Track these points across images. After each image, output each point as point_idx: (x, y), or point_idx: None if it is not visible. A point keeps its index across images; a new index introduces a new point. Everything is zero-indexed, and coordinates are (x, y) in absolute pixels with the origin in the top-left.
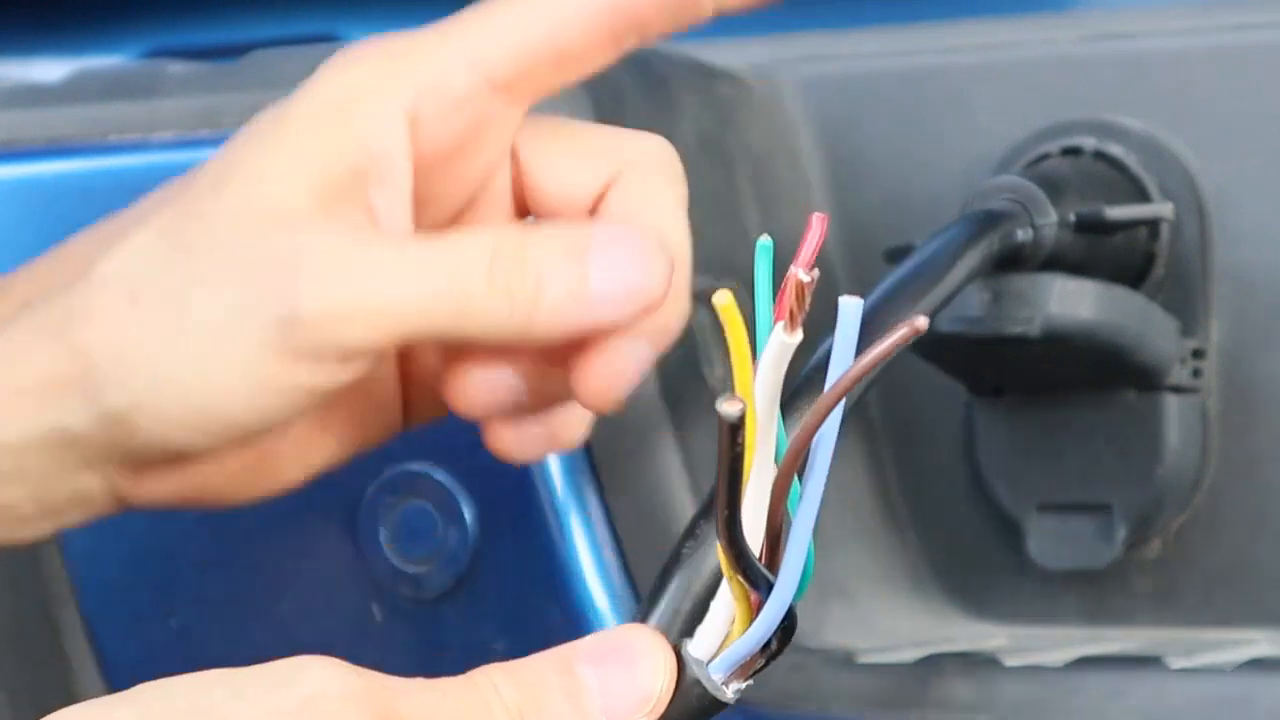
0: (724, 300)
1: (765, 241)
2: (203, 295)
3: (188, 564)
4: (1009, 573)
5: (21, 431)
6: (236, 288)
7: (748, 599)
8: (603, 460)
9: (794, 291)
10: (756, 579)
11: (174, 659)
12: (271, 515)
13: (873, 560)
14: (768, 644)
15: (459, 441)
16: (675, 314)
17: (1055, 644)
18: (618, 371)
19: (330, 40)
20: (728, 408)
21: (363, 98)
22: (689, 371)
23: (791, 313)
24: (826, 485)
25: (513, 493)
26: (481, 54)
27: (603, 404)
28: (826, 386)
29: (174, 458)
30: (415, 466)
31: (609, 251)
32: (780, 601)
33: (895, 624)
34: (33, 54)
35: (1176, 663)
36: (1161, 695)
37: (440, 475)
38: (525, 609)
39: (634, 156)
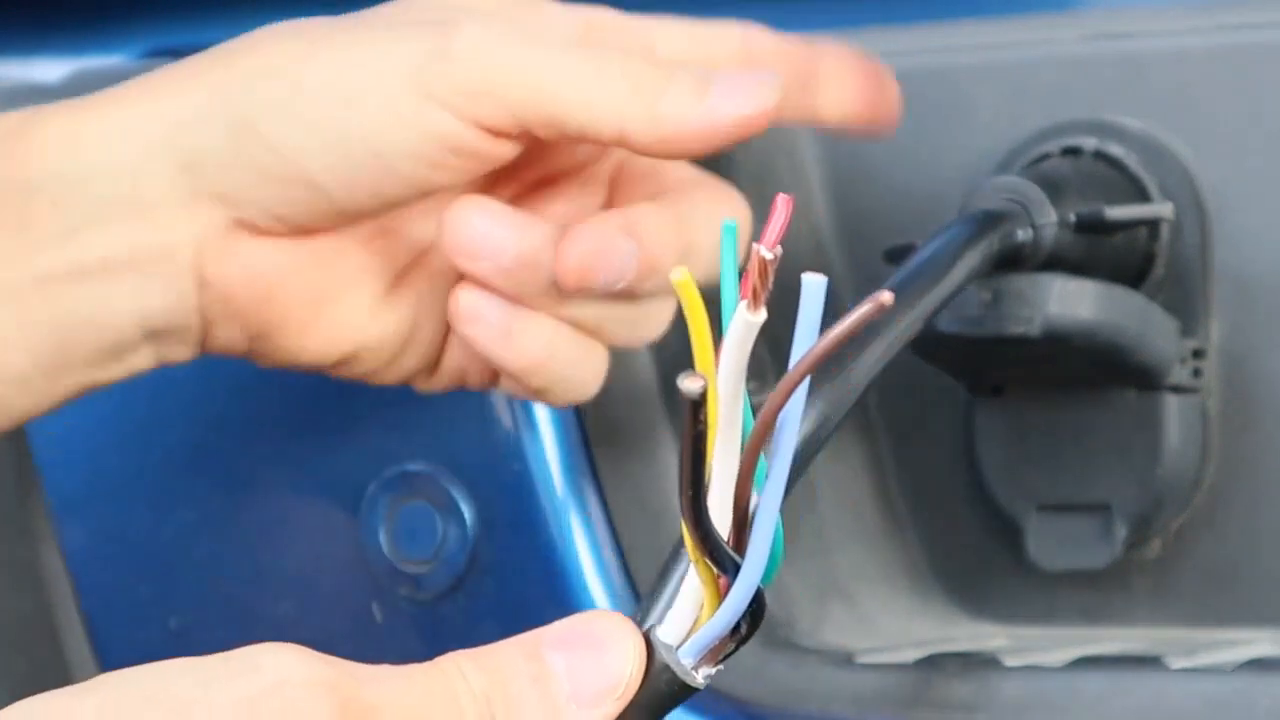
0: (680, 276)
1: (730, 223)
2: (363, 31)
3: (188, 564)
4: (1009, 573)
5: (149, 153)
6: (397, 28)
7: (715, 582)
8: (603, 460)
9: (757, 269)
10: (723, 561)
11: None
12: (272, 515)
13: (873, 560)
14: (737, 628)
15: (459, 441)
16: (668, 259)
17: (1055, 644)
18: (600, 254)
19: None
20: (689, 384)
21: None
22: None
23: (755, 291)
24: (794, 469)
25: (512, 493)
26: None
27: (573, 278)
28: (790, 365)
29: (281, 202)
30: (415, 466)
31: (728, 78)
32: (747, 584)
33: (895, 624)
34: (33, 54)
35: (1176, 663)
36: (1161, 695)
37: (440, 475)
38: (524, 609)
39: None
